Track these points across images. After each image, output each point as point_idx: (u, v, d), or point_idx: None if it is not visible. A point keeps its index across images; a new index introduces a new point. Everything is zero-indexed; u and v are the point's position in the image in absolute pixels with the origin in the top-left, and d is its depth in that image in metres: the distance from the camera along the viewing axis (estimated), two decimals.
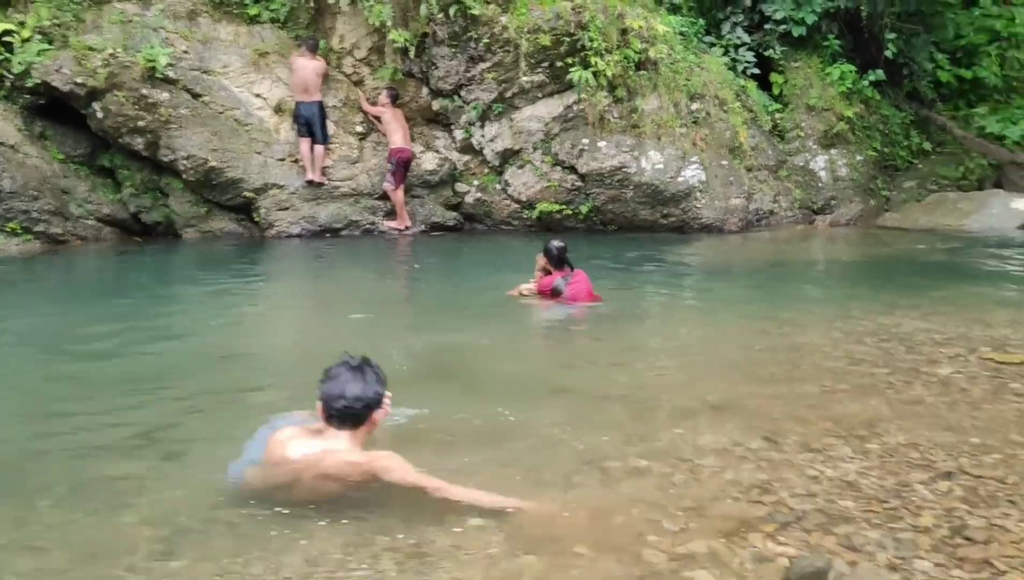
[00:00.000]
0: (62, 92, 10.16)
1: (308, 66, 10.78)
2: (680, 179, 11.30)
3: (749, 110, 12.53)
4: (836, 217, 12.69)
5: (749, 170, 12.18)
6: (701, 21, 13.09)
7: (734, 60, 12.90)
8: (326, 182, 11.04)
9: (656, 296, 7.62)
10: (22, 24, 10.17)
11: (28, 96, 10.35)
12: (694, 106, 11.76)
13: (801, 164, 12.80)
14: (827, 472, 3.16)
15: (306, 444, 2.94)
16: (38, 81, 10.06)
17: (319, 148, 10.90)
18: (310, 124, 10.80)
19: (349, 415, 2.93)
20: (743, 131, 12.09)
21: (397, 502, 2.88)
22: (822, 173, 12.81)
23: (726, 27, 13.20)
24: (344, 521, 2.78)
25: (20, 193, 9.65)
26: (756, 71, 12.99)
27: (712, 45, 12.96)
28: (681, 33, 12.32)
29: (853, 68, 12.82)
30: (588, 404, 4.17)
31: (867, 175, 13.04)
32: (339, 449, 2.92)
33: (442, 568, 2.52)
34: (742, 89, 12.60)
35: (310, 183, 10.93)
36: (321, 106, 10.90)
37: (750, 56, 12.99)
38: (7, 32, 10.09)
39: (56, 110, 10.59)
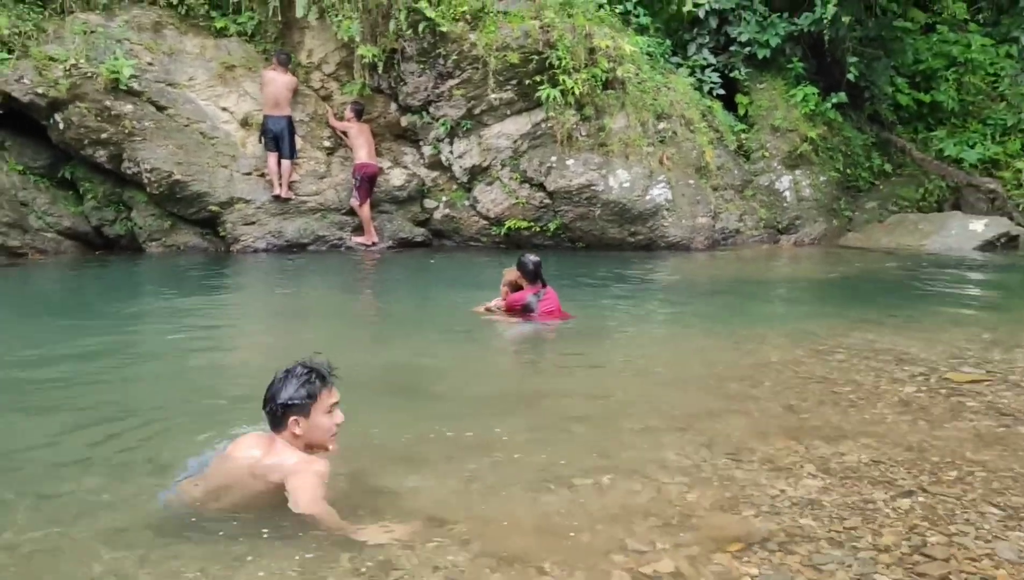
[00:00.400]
0: (22, 103, 9.99)
1: (279, 80, 10.72)
2: (647, 197, 11.40)
3: (715, 130, 12.70)
4: (800, 237, 12.87)
5: (715, 189, 12.33)
6: (668, 42, 13.28)
7: (700, 81, 13.08)
8: (293, 197, 10.96)
9: (623, 313, 7.65)
10: None
11: None
12: (661, 125, 11.89)
13: (766, 184, 12.99)
14: (790, 491, 3.18)
15: (250, 444, 2.99)
16: None
17: (286, 163, 10.82)
18: (278, 139, 10.73)
19: (268, 416, 2.96)
20: (709, 151, 12.25)
21: (365, 516, 2.85)
22: (787, 193, 13.00)
23: (692, 48, 13.40)
24: (305, 536, 2.72)
25: None
26: (722, 92, 13.19)
27: (679, 66, 13.14)
28: (648, 53, 12.48)
29: (816, 90, 13.07)
30: (554, 421, 4.16)
31: (830, 195, 13.26)
32: (271, 450, 2.93)
33: None
34: (708, 109, 12.77)
35: (277, 198, 10.85)
36: (290, 121, 10.84)
37: (716, 77, 13.19)
38: None
39: (15, 120, 10.39)
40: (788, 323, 7.04)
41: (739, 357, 5.60)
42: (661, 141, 11.83)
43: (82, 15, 10.37)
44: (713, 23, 13.26)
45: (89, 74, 9.96)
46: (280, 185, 10.81)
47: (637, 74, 11.76)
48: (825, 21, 12.35)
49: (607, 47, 11.14)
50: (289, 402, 2.91)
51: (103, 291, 8.75)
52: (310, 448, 2.97)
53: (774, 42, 12.99)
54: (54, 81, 9.84)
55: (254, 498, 2.89)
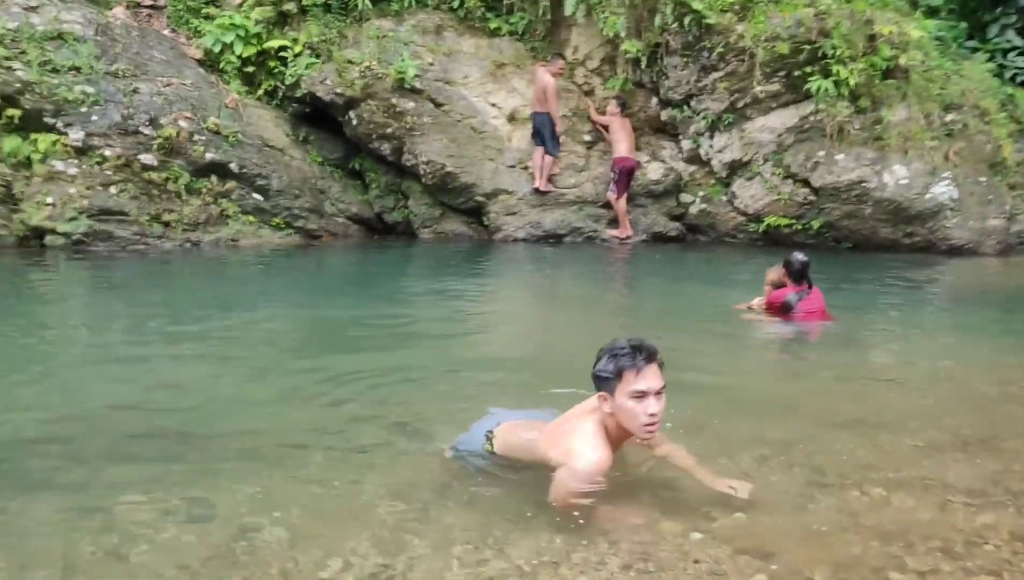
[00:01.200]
0: (324, 101, 11.25)
1: (540, 78, 11.08)
2: (928, 196, 10.41)
3: (1017, 122, 11.29)
4: None
5: (1012, 188, 10.99)
6: (963, 24, 12.00)
7: (1001, 66, 11.70)
8: (552, 189, 11.32)
9: (897, 320, 7.07)
10: (295, 40, 11.38)
11: (296, 105, 11.60)
12: (949, 117, 10.80)
13: None
14: None
15: (576, 409, 3.03)
16: (305, 91, 11.24)
17: (548, 158, 11.19)
18: (540, 133, 11.13)
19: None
20: (1008, 145, 10.92)
21: (627, 506, 2.91)
22: None
23: (993, 30, 12.02)
24: (572, 515, 2.83)
25: (286, 192, 10.80)
26: None
27: (975, 50, 11.83)
28: (938, 38, 11.36)
29: None
30: (820, 425, 3.97)
31: None
32: (573, 423, 2.95)
33: (670, 577, 2.51)
34: (1010, 98, 11.38)
35: (536, 191, 11.27)
36: (548, 117, 11.12)
37: (1022, 61, 11.70)
38: (283, 48, 11.35)
39: (316, 117, 11.75)
40: None
41: None
42: (948, 134, 10.74)
43: (376, 21, 11.47)
44: (1022, 0, 11.78)
45: (380, 75, 10.99)
46: (540, 178, 11.22)
47: (924, 61, 10.75)
48: None
49: (890, 33, 10.29)
50: (597, 374, 2.83)
51: (385, 270, 9.65)
52: (623, 432, 2.86)
53: None
54: (351, 82, 10.98)
55: (537, 458, 3.01)
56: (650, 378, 2.75)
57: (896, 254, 10.52)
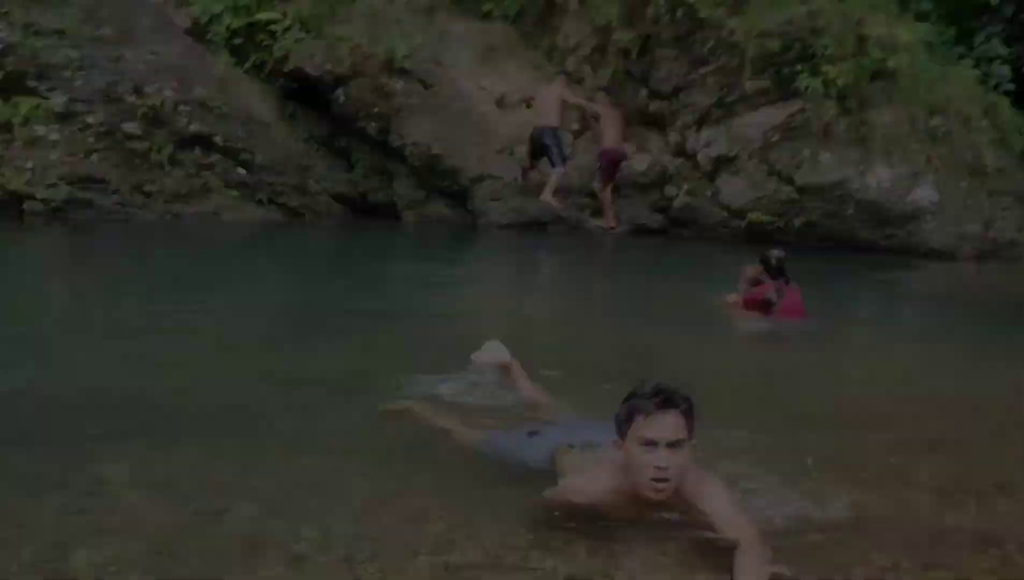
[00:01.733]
0: (312, 78, 11.18)
1: (543, 91, 10.92)
2: (909, 199, 10.53)
3: (999, 129, 11.40)
4: None
5: (991, 195, 11.11)
6: (951, 30, 12.08)
7: (986, 74, 11.79)
8: (555, 205, 11.07)
9: (871, 321, 7.19)
10: (285, 14, 11.27)
11: (284, 80, 11.49)
12: (933, 121, 10.89)
13: None
14: None
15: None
16: (293, 67, 11.14)
17: (556, 171, 10.87)
18: (548, 149, 10.81)
19: None
20: (988, 152, 11.04)
21: None
22: None
23: (980, 38, 12.11)
24: (545, 503, 2.84)
25: (270, 168, 10.73)
26: (1011, 87, 11.80)
27: (962, 57, 11.92)
28: (927, 43, 11.44)
29: None
30: (788, 424, 4.01)
31: None
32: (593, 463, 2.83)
33: (637, 562, 2.54)
34: (992, 106, 11.49)
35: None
36: (553, 132, 10.85)
37: (1006, 70, 11.82)
38: (272, 21, 11.24)
39: (303, 94, 11.65)
40: None
41: (1009, 383, 5.05)
42: (932, 139, 10.84)
43: None
44: (1008, 11, 11.89)
45: (369, 53, 10.92)
46: (547, 191, 10.90)
47: (911, 65, 10.82)
48: None
49: (880, 35, 10.35)
50: (615, 416, 2.56)
51: (368, 251, 9.65)
52: (639, 487, 2.52)
53: None
54: (340, 59, 10.91)
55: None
56: (662, 427, 2.40)
57: (874, 255, 10.61)
